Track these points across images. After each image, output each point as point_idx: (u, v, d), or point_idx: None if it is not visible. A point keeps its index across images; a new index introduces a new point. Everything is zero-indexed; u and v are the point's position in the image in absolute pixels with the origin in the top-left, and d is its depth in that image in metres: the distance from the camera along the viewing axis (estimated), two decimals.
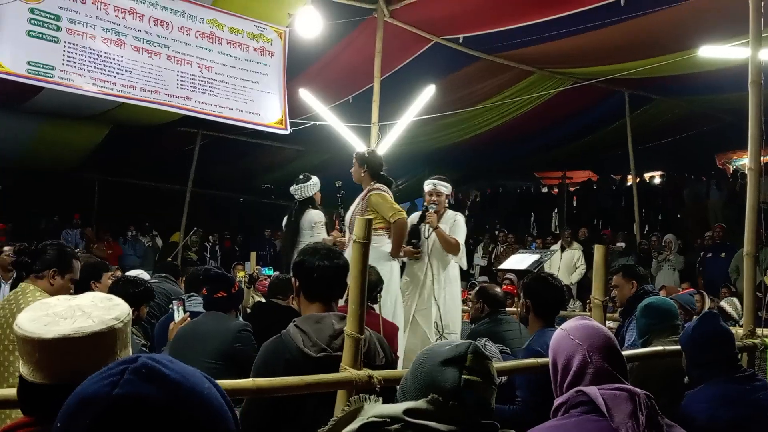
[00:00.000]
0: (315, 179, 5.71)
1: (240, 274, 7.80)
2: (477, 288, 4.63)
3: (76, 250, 5.56)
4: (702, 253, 10.60)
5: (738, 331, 3.82)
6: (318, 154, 12.83)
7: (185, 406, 0.86)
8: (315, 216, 5.60)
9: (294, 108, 8.12)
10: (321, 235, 5.51)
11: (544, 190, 17.99)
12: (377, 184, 5.05)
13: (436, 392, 1.46)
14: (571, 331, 2.00)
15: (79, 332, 1.25)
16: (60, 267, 3.09)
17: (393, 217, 4.83)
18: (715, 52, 7.05)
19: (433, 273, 5.11)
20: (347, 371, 2.37)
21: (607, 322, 4.00)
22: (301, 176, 5.76)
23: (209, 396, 0.90)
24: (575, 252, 10.91)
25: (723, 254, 9.87)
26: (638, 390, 1.89)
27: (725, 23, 6.82)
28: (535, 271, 5.24)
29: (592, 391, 1.85)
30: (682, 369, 3.03)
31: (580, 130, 12.76)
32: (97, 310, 1.31)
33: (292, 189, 5.71)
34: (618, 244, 11.42)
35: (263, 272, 7.59)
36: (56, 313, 1.29)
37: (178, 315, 3.98)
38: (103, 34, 6.30)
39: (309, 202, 5.66)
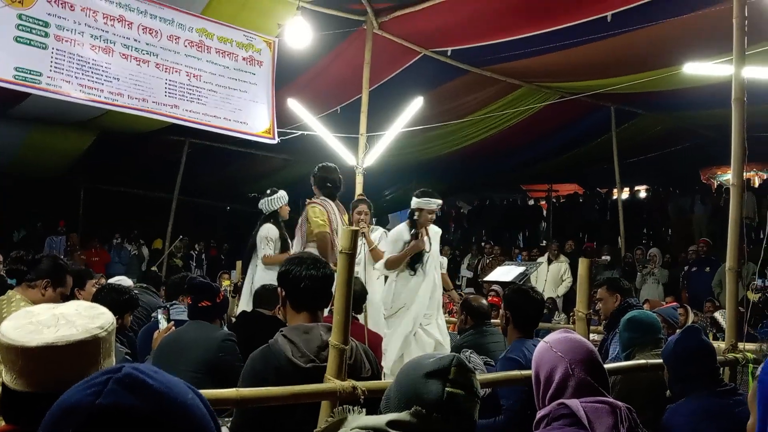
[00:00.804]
0: (281, 193, 5.82)
1: (225, 282, 7.77)
2: (462, 300, 4.63)
3: (60, 257, 5.53)
4: (686, 267, 10.68)
5: (720, 345, 3.86)
6: (305, 164, 12.79)
7: (168, 417, 0.86)
8: (265, 231, 5.70)
9: (282, 117, 8.13)
10: (264, 251, 5.63)
11: (531, 202, 18.08)
12: (317, 198, 5.44)
13: (420, 404, 1.46)
14: (553, 343, 2.01)
15: (62, 341, 1.25)
16: (53, 279, 3.12)
17: (315, 230, 5.22)
18: (700, 69, 7.14)
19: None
20: (332, 382, 2.37)
21: (591, 334, 4.03)
22: (268, 190, 5.92)
23: (192, 407, 0.90)
24: (562, 265, 10.97)
25: (707, 268, 9.94)
26: (619, 403, 1.91)
27: (710, 41, 6.92)
28: (520, 283, 5.26)
29: (574, 403, 1.86)
30: (665, 383, 3.05)
31: (566, 143, 12.85)
32: (81, 318, 1.30)
33: (260, 203, 5.81)
34: (603, 258, 11.50)
35: None
36: (40, 322, 1.29)
37: (163, 324, 3.96)
38: (92, 41, 6.27)
39: (271, 216, 5.75)
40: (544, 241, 14.79)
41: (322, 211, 5.31)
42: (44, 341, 1.25)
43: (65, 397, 0.89)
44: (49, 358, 1.25)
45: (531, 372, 2.24)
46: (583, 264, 3.22)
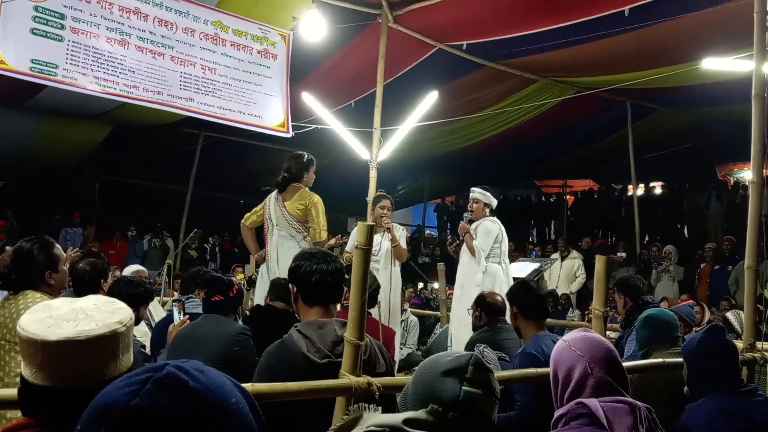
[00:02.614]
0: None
1: (239, 276, 7.79)
2: (476, 296, 4.61)
3: (75, 250, 5.55)
4: (707, 265, 10.56)
5: (738, 344, 3.82)
6: (319, 157, 12.79)
7: (206, 420, 0.84)
8: None
9: (296, 111, 8.11)
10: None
11: (547, 198, 17.98)
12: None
13: (436, 403, 1.45)
14: (572, 342, 1.99)
15: (82, 335, 1.25)
16: (50, 265, 3.01)
17: (322, 233, 5.30)
18: (719, 64, 7.05)
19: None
20: (346, 378, 2.36)
21: (608, 332, 4.00)
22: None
23: (233, 412, 0.86)
24: (575, 261, 10.90)
25: (730, 267, 9.81)
26: (639, 403, 1.89)
27: (729, 36, 6.83)
28: (535, 279, 5.25)
29: (593, 403, 1.84)
30: (682, 381, 3.02)
31: (581, 138, 12.77)
32: (100, 313, 1.30)
33: None
34: (618, 254, 11.41)
35: None
36: (59, 316, 1.29)
37: (178, 317, 3.97)
38: (107, 33, 6.28)
39: None
40: (555, 237, 14.72)
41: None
42: (64, 335, 1.24)
43: (105, 393, 0.87)
44: (69, 352, 1.24)
45: (546, 370, 2.23)
46: (600, 261, 3.19)
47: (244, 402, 0.89)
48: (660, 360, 3.31)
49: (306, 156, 5.50)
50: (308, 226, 5.21)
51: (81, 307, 1.31)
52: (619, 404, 1.85)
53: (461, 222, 5.75)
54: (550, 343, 3.04)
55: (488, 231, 5.60)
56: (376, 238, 5.45)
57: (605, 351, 1.97)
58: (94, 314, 1.29)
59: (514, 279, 6.50)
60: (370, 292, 3.45)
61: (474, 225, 5.68)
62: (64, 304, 1.34)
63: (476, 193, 5.82)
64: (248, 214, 5.54)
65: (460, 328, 5.40)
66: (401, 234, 5.81)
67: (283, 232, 5.19)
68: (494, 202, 5.87)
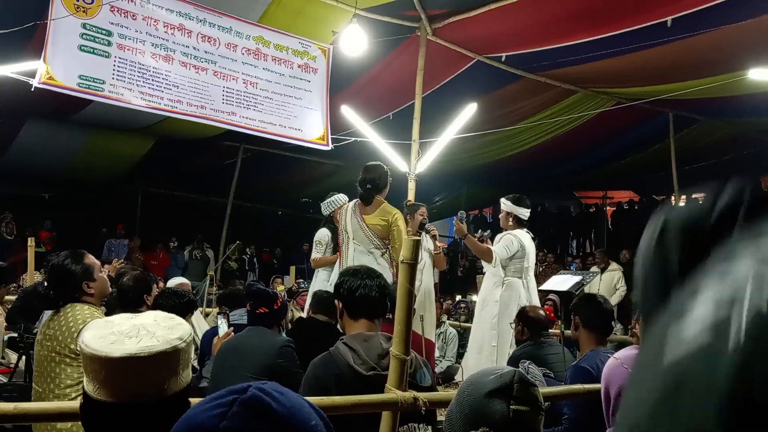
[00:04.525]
0: (334, 197, 5.83)
1: (279, 287, 7.85)
2: (518, 310, 4.57)
3: (121, 261, 5.67)
4: None
5: None
6: (357, 169, 12.84)
7: None
8: (318, 234, 5.84)
9: (335, 123, 8.18)
10: (313, 254, 5.83)
11: (587, 209, 17.74)
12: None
13: (486, 425, 1.45)
14: (624, 360, 1.97)
15: (144, 351, 1.27)
16: (85, 275, 3.04)
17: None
18: (766, 74, 6.91)
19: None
20: (393, 392, 2.37)
21: None
22: (329, 194, 5.91)
23: None
24: (615, 273, 10.73)
25: None
26: None
27: None
28: (577, 292, 5.18)
29: None
30: None
31: (622, 149, 12.60)
32: (160, 329, 1.33)
33: (321, 206, 6.03)
34: None
35: (302, 286, 7.63)
36: (121, 332, 1.31)
37: (222, 329, 4.02)
38: (152, 49, 6.42)
39: (326, 221, 5.81)
40: (594, 249, 14.50)
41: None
42: (127, 352, 1.27)
43: (191, 415, 0.90)
44: (131, 368, 1.27)
45: (593, 386, 2.20)
46: None
47: (321, 424, 0.92)
48: None
49: (385, 166, 5.26)
50: (387, 242, 4.97)
51: (142, 323, 1.34)
52: None
53: (455, 219, 5.54)
54: (606, 359, 3.00)
55: (506, 244, 5.35)
56: None
57: None
58: (154, 330, 1.32)
59: (555, 293, 6.44)
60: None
61: (498, 236, 5.51)
62: (124, 320, 1.36)
63: (501, 202, 5.62)
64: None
65: (481, 344, 5.36)
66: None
67: (360, 246, 4.95)
68: (522, 213, 5.56)
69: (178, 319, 1.39)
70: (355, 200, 5.21)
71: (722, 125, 11.32)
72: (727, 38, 7.06)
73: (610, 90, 9.65)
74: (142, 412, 1.26)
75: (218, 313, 4.34)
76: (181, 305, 3.97)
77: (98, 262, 3.15)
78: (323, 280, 5.64)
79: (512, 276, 5.37)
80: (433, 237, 5.45)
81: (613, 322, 4.10)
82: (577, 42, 7.63)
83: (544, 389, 2.96)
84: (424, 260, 5.32)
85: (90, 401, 1.30)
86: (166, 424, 0.94)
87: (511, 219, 5.51)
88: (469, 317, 7.65)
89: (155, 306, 3.76)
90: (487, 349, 5.24)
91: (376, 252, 4.93)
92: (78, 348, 2.79)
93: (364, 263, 4.81)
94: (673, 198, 13.22)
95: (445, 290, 11.20)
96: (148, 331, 1.31)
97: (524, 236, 5.45)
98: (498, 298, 5.29)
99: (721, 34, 6.92)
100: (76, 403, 2.49)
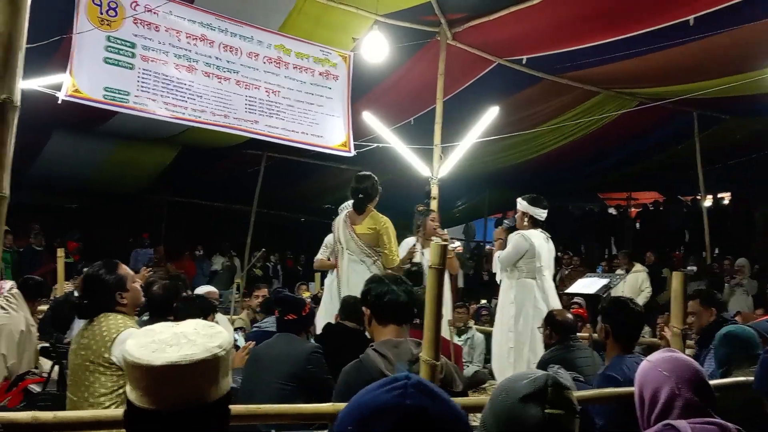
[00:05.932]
0: (346, 204, 5.86)
1: (305, 294, 7.88)
2: (546, 314, 4.55)
3: (148, 270, 5.73)
4: None
5: None
6: (379, 175, 12.86)
7: (451, 419, 1.00)
8: (327, 237, 6.03)
9: (356, 129, 8.20)
10: (318, 255, 6.16)
11: (611, 211, 17.57)
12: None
13: (522, 430, 1.44)
14: (657, 362, 1.95)
15: (186, 359, 1.29)
16: (119, 286, 3.06)
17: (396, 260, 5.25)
18: None
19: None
20: None
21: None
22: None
23: (464, 414, 1.05)
24: (639, 275, 10.63)
25: None
26: (730, 425, 1.84)
27: None
28: (604, 295, 5.13)
29: (683, 425, 1.80)
30: (762, 401, 2.90)
31: (645, 150, 12.48)
32: (200, 337, 1.35)
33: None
34: (689, 268, 11.07)
35: None
36: (162, 340, 1.33)
37: (240, 342, 4.07)
38: (176, 60, 6.48)
39: None
40: (616, 251, 14.35)
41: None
42: (168, 360, 1.29)
43: (367, 399, 1.03)
44: (173, 376, 1.29)
45: (624, 390, 2.19)
46: (677, 278, 3.11)
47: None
48: (743, 378, 3.20)
49: (374, 176, 5.41)
50: (378, 250, 5.11)
51: (182, 332, 1.36)
52: (710, 426, 1.80)
53: (499, 228, 5.65)
54: (632, 365, 2.94)
55: (514, 244, 5.32)
56: (426, 251, 5.42)
57: (693, 371, 1.92)
58: (195, 338, 1.34)
59: (580, 295, 6.40)
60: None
61: (509, 236, 5.47)
62: (165, 328, 1.39)
63: (517, 202, 5.58)
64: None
65: (501, 347, 5.38)
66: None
67: (353, 256, 5.12)
68: (538, 213, 5.46)
69: (218, 328, 1.41)
70: (345, 211, 5.37)
71: (747, 123, 11.17)
72: (751, 36, 6.99)
73: (632, 90, 9.58)
74: (184, 420, 1.28)
75: (235, 329, 4.39)
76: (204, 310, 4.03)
77: (131, 272, 3.18)
78: (327, 286, 5.93)
79: (525, 277, 5.33)
80: (444, 242, 5.43)
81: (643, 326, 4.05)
82: (599, 43, 7.59)
83: (577, 393, 2.94)
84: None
85: (133, 409, 1.32)
86: None
87: (526, 219, 5.45)
88: (491, 322, 7.61)
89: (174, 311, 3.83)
90: (506, 351, 5.25)
91: (368, 260, 5.09)
92: (113, 357, 2.84)
93: (357, 272, 4.90)
94: (698, 197, 13.07)
95: (470, 295, 11.17)
96: (188, 339, 1.33)
97: (535, 236, 5.38)
98: (513, 299, 5.27)
99: (744, 32, 6.85)
100: (112, 412, 2.54)
